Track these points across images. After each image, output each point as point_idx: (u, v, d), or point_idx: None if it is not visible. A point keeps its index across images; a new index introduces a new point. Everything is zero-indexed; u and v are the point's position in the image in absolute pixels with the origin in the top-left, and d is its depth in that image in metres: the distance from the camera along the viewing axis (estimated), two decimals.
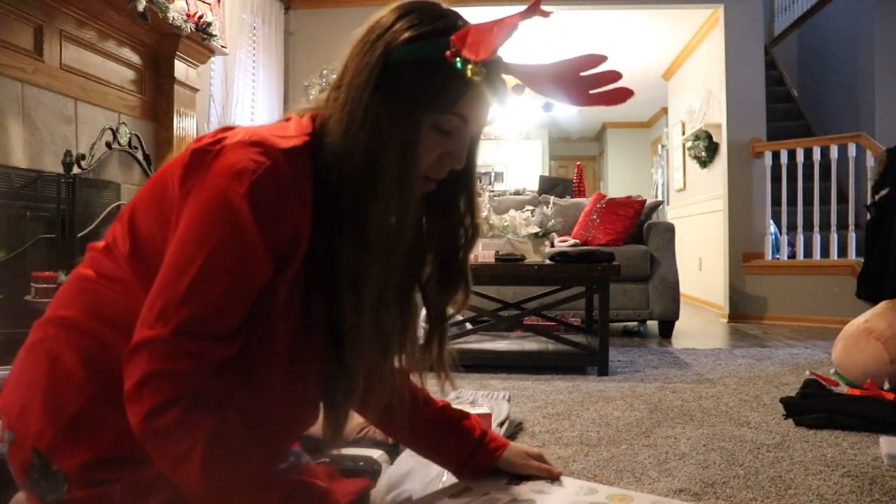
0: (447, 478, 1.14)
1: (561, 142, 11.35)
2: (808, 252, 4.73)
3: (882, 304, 2.39)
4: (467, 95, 0.83)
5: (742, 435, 1.77)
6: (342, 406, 0.89)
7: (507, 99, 0.87)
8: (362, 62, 0.83)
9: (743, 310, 4.84)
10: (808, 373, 2.49)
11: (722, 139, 5.09)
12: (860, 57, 5.49)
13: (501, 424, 1.73)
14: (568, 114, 9.01)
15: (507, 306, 3.36)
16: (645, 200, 4.23)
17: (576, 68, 0.80)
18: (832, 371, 2.48)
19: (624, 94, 0.81)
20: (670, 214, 6.96)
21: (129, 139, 3.09)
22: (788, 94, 6.81)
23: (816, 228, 4.60)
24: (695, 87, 6.06)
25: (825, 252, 4.58)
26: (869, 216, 4.01)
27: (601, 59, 0.80)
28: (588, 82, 0.81)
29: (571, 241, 3.95)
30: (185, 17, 3.24)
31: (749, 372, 2.70)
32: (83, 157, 2.71)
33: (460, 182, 0.94)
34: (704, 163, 5.49)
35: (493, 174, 9.66)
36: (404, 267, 0.87)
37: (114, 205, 2.96)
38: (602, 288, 2.66)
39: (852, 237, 4.44)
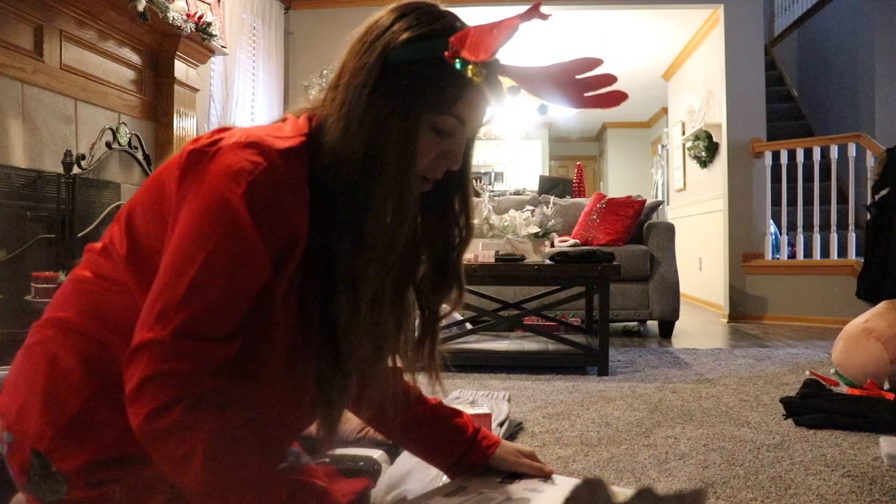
0: (447, 478, 1.14)
1: (561, 142, 11.36)
2: (808, 252, 4.74)
3: (882, 304, 2.39)
4: (465, 96, 0.84)
5: (742, 435, 1.77)
6: (336, 405, 0.89)
7: (504, 100, 0.88)
8: (360, 62, 0.84)
9: (743, 310, 4.84)
10: (808, 373, 2.49)
11: (722, 139, 5.09)
12: (860, 57, 5.49)
13: (501, 424, 1.73)
14: (567, 114, 9.01)
15: (507, 306, 3.36)
16: (645, 200, 4.23)
17: (571, 71, 0.81)
18: (832, 371, 2.48)
19: (618, 97, 0.82)
20: (670, 214, 6.96)
21: (129, 139, 3.09)
22: (788, 94, 6.82)
23: (816, 228, 4.60)
24: (695, 87, 6.06)
25: (825, 252, 4.58)
26: (869, 216, 4.01)
27: (597, 62, 0.81)
28: (583, 85, 0.82)
29: (571, 241, 3.95)
30: (185, 17, 3.24)
31: (749, 372, 2.70)
32: (83, 157, 2.71)
33: (455, 182, 0.95)
34: (704, 163, 5.49)
35: (493, 174, 9.66)
36: (399, 266, 0.88)
37: (114, 205, 2.96)
38: (602, 288, 2.66)
39: (852, 237, 4.44)
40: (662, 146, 8.30)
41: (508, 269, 2.81)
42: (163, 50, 3.40)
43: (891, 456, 1.50)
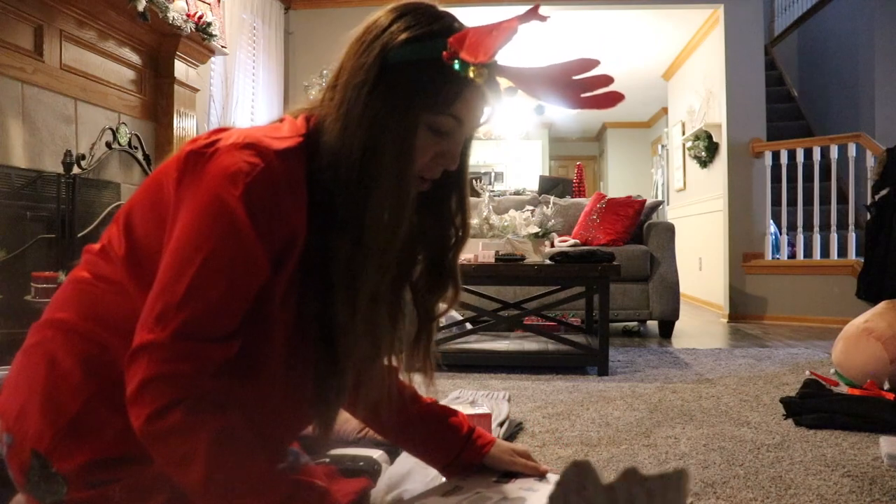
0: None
1: (561, 142, 11.35)
2: (808, 252, 4.74)
3: (882, 304, 2.39)
4: (463, 97, 0.84)
5: (742, 435, 1.77)
6: (332, 403, 0.89)
7: (502, 101, 0.88)
8: (359, 62, 0.84)
9: (743, 310, 4.84)
10: (808, 373, 2.49)
11: (722, 139, 5.09)
12: (860, 57, 5.49)
13: (501, 424, 1.73)
14: (565, 114, 9.02)
15: (507, 306, 3.36)
16: (645, 200, 4.23)
17: (568, 72, 0.82)
18: (832, 371, 2.48)
19: (615, 98, 0.82)
20: (670, 214, 6.96)
21: (129, 139, 3.09)
22: (788, 94, 6.82)
23: (816, 228, 4.60)
24: (695, 87, 6.06)
25: (825, 252, 4.58)
26: (869, 216, 4.01)
27: (594, 63, 0.81)
28: (580, 86, 0.82)
29: (571, 241, 3.95)
30: (185, 17, 3.24)
31: (749, 372, 2.70)
32: (83, 157, 2.71)
33: (452, 182, 0.95)
34: (704, 163, 5.49)
35: (493, 174, 9.66)
36: (396, 266, 0.88)
37: (114, 205, 2.96)
38: (602, 288, 2.66)
39: (852, 237, 4.44)
40: (662, 146, 8.30)
41: (508, 269, 2.81)
42: (163, 50, 3.40)
43: (891, 456, 1.50)
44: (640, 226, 4.12)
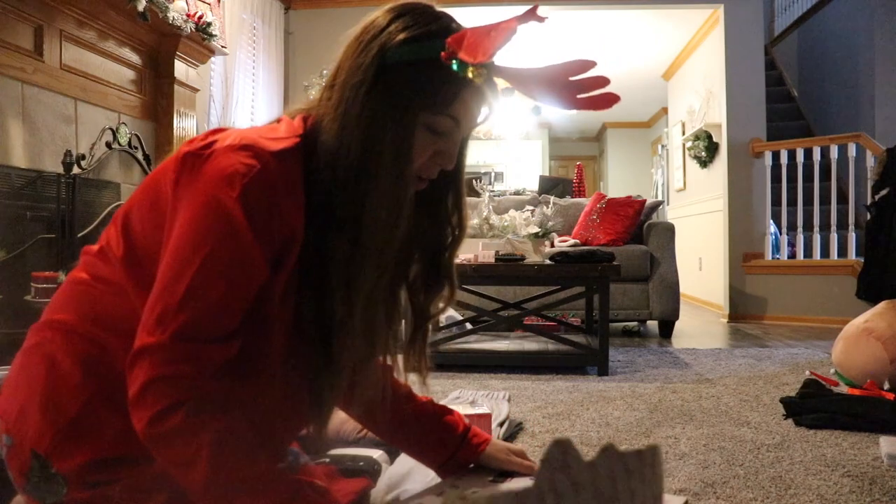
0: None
1: (561, 142, 11.35)
2: (808, 252, 4.74)
3: (882, 304, 2.39)
4: (461, 97, 0.85)
5: (742, 435, 1.77)
6: (327, 402, 0.89)
7: (499, 101, 0.88)
8: (357, 62, 0.84)
9: (743, 310, 4.84)
10: (808, 373, 2.49)
11: (722, 139, 5.09)
12: (860, 57, 5.50)
13: (501, 424, 1.73)
14: (564, 114, 9.01)
15: (507, 306, 3.36)
16: (645, 200, 4.23)
17: (565, 73, 0.82)
18: (832, 371, 2.48)
19: (611, 99, 0.83)
20: (670, 214, 6.96)
21: (129, 139, 3.09)
22: (788, 94, 6.82)
23: (816, 228, 4.60)
24: (695, 87, 6.06)
25: (825, 252, 4.58)
26: (869, 216, 4.01)
27: (590, 64, 0.81)
28: (577, 87, 0.82)
29: (571, 241, 3.95)
30: (185, 17, 3.24)
31: (749, 372, 2.70)
32: (83, 157, 2.71)
33: (449, 181, 0.96)
34: (704, 163, 5.49)
35: (493, 174, 9.66)
36: (394, 265, 0.88)
37: (114, 205, 2.96)
38: (602, 288, 2.66)
39: (852, 237, 4.44)
40: (662, 146, 8.30)
41: (508, 269, 2.81)
42: (163, 50, 3.40)
43: (891, 456, 1.50)
44: (640, 226, 4.12)
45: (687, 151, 5.83)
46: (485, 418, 1.56)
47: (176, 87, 3.47)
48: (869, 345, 2.24)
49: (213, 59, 3.89)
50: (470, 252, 2.87)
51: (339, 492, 1.02)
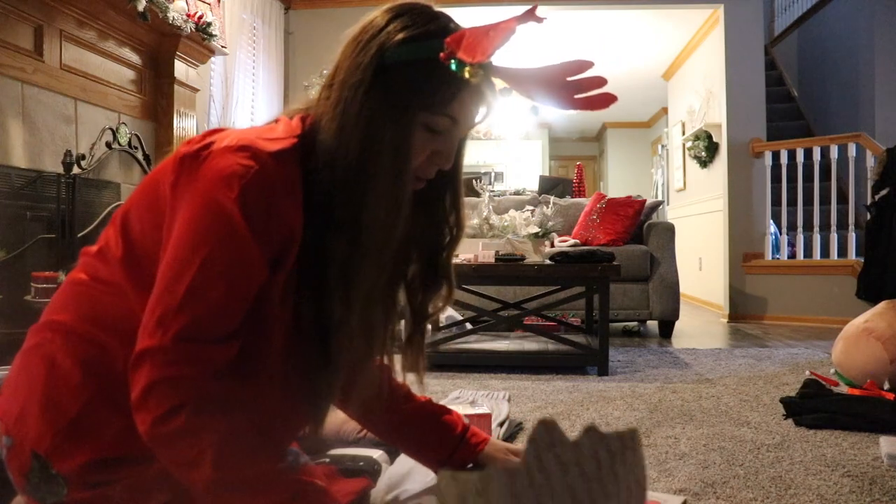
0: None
1: (561, 142, 11.35)
2: (808, 252, 4.74)
3: (882, 304, 2.39)
4: (459, 97, 0.85)
5: (742, 435, 1.77)
6: (324, 401, 0.90)
7: (497, 101, 0.88)
8: (355, 62, 0.84)
9: (743, 310, 4.84)
10: (808, 373, 2.49)
11: (722, 139, 5.09)
12: (860, 57, 5.49)
13: (501, 424, 1.73)
14: (563, 114, 9.01)
15: (507, 306, 3.36)
16: (645, 200, 4.23)
17: (562, 73, 0.82)
18: (832, 371, 2.48)
19: (608, 99, 0.83)
20: (670, 214, 6.96)
21: (129, 139, 3.09)
22: (788, 94, 6.82)
23: (816, 228, 4.60)
24: (695, 87, 6.06)
25: (825, 252, 4.58)
26: (869, 216, 4.01)
27: (588, 64, 0.82)
28: (574, 87, 0.83)
29: (571, 241, 3.95)
30: (185, 17, 3.24)
31: (749, 372, 2.70)
32: (83, 157, 2.72)
33: (446, 181, 0.96)
34: (704, 163, 5.49)
35: (493, 174, 9.66)
36: (392, 265, 0.88)
37: (114, 205, 2.97)
38: (602, 288, 2.66)
39: (852, 237, 4.44)
40: (662, 146, 8.30)
41: (508, 269, 2.81)
42: (163, 50, 3.40)
43: (891, 456, 1.50)
44: (640, 226, 4.12)
45: (687, 151, 5.83)
46: (485, 418, 1.56)
47: (176, 87, 3.47)
48: (869, 345, 2.24)
49: (213, 59, 3.89)
50: (470, 252, 2.87)
51: (339, 492, 1.02)
